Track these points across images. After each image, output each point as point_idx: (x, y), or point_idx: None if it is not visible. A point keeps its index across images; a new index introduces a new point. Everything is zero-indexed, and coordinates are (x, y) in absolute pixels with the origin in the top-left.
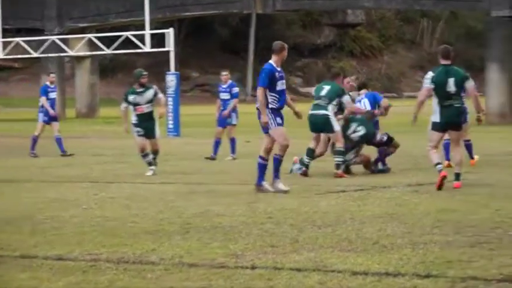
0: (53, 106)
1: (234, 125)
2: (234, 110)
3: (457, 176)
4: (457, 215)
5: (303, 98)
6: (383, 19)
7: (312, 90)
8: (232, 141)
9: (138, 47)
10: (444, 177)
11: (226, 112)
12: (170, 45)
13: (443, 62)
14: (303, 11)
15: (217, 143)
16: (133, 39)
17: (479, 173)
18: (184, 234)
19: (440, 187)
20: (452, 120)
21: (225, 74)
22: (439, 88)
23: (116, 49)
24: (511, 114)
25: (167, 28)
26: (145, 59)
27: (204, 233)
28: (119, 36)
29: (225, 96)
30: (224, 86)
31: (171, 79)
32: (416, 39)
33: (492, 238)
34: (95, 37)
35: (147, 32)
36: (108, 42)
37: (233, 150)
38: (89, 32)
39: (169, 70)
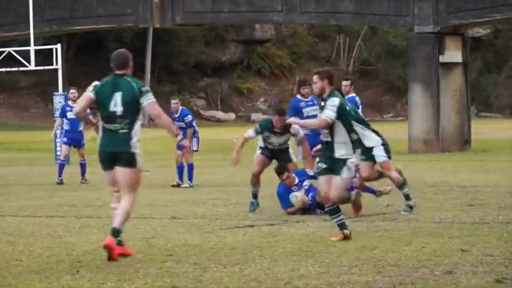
0: (76, 127)
1: (195, 150)
2: (194, 135)
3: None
4: (378, 253)
5: (206, 122)
6: (294, 35)
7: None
8: (190, 167)
9: (23, 65)
10: None
11: (186, 144)
12: (58, 63)
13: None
14: (206, 25)
15: (180, 169)
16: (17, 55)
17: (402, 206)
18: (74, 273)
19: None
20: None
21: (174, 103)
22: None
23: None
24: (436, 141)
25: (55, 43)
26: (31, 78)
27: (96, 273)
28: (1, 53)
29: (180, 125)
30: (176, 115)
31: (59, 100)
32: (332, 57)
33: (417, 278)
34: None
35: (32, 48)
36: None
37: (189, 177)
38: None
39: (57, 90)
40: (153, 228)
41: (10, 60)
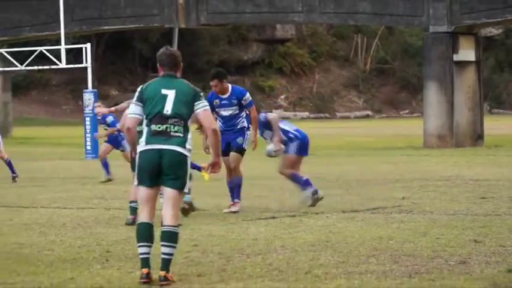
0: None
1: None
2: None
3: None
4: (394, 244)
5: None
6: (314, 35)
7: None
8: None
9: (54, 63)
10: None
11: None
12: (87, 61)
13: None
14: (229, 25)
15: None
16: (48, 54)
17: (417, 199)
18: (104, 262)
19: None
20: None
21: (97, 105)
22: None
23: (29, 65)
24: (450, 136)
25: (84, 43)
26: (61, 76)
27: (125, 262)
28: (33, 51)
29: (103, 127)
30: (98, 118)
31: (88, 97)
32: (350, 56)
33: (432, 268)
34: (7, 52)
35: (63, 47)
36: (21, 57)
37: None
38: (1, 46)
39: (86, 88)
40: (181, 219)
41: (42, 58)
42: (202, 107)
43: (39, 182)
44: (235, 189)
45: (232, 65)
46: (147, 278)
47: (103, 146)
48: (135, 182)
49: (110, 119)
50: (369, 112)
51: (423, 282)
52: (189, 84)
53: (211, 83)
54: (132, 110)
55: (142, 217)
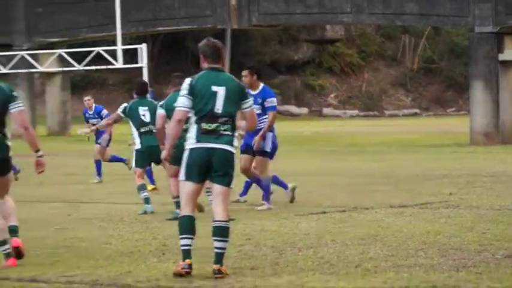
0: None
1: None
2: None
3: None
4: (442, 238)
5: (280, 116)
6: (363, 35)
7: (290, 108)
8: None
9: (110, 63)
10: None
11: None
12: (143, 61)
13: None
14: (279, 26)
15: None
16: (105, 54)
17: (464, 194)
18: (160, 256)
19: None
20: None
21: (87, 99)
22: None
23: (87, 65)
24: (496, 134)
25: (140, 43)
26: (118, 76)
27: (180, 255)
28: (90, 52)
29: (95, 122)
30: (90, 112)
31: None
32: (397, 56)
33: (479, 262)
34: (66, 52)
35: (119, 48)
36: (79, 57)
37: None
38: (60, 47)
39: None
40: (232, 214)
41: (99, 59)
42: (249, 106)
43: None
44: (264, 191)
45: (283, 64)
46: (190, 268)
47: (97, 148)
48: (181, 177)
49: (104, 112)
50: (417, 110)
51: (470, 276)
52: (236, 80)
53: (243, 73)
54: (182, 102)
55: (187, 210)
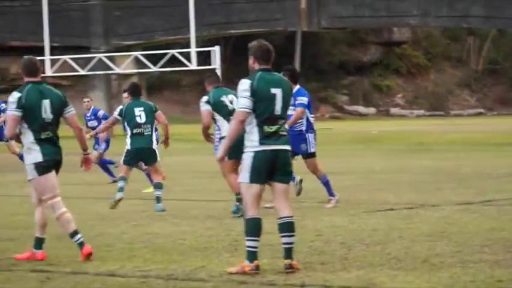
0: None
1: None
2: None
3: None
4: (507, 234)
5: (349, 115)
6: (429, 37)
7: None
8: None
9: (184, 65)
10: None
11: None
12: (216, 63)
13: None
14: (348, 28)
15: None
16: (180, 56)
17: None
18: (233, 251)
19: None
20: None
21: (86, 101)
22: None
23: (162, 67)
24: None
25: (213, 46)
26: (192, 77)
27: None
28: (165, 54)
29: (93, 124)
30: (88, 114)
31: None
32: (463, 57)
33: None
34: (142, 55)
35: (193, 50)
36: (154, 59)
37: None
38: (136, 49)
39: None
40: (303, 212)
41: (173, 61)
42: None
43: (172, 175)
44: (326, 188)
45: (351, 65)
46: (257, 270)
47: (94, 154)
48: (243, 179)
49: (100, 113)
50: (481, 110)
51: None
52: (288, 81)
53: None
54: (244, 104)
55: (255, 212)
